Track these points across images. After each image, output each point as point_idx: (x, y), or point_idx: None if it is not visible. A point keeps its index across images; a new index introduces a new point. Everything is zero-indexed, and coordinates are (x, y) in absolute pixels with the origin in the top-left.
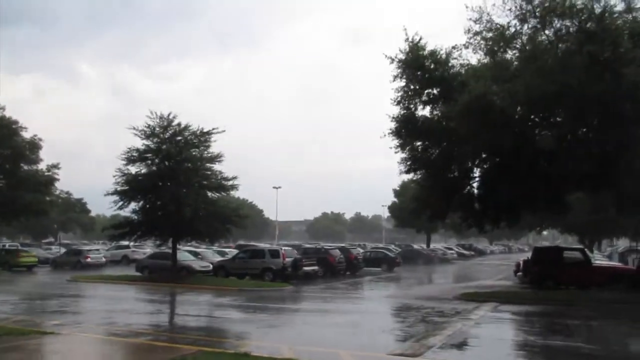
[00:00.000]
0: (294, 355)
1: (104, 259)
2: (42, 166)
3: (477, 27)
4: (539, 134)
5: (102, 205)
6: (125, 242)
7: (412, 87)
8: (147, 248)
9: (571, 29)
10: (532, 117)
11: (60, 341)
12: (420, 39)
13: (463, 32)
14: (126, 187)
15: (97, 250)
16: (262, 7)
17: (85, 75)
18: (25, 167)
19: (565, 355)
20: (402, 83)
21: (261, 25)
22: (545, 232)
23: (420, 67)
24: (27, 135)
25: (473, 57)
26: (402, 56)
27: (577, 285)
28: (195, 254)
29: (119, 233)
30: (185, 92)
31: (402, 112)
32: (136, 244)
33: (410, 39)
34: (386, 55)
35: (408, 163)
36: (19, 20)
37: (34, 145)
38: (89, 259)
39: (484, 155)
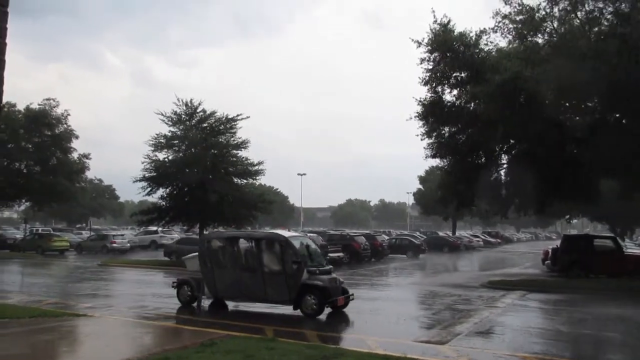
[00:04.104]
0: (319, 341)
1: (128, 244)
2: (74, 155)
3: (505, 10)
4: (570, 119)
5: (130, 191)
6: (154, 228)
7: (440, 69)
8: (175, 233)
9: (604, 11)
10: (563, 102)
11: (93, 323)
12: (449, 20)
13: (491, 15)
14: (154, 174)
15: (122, 235)
16: None
17: (111, 63)
18: (60, 156)
19: (595, 345)
20: (430, 66)
21: (280, 10)
22: (574, 220)
23: (449, 50)
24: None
25: (502, 42)
26: (429, 39)
27: (608, 274)
28: None
29: (147, 218)
30: (206, 78)
31: (429, 95)
32: (164, 229)
33: (438, 21)
34: (413, 39)
35: (435, 146)
36: (46, 12)
37: (69, 135)
38: (115, 244)
39: (511, 141)
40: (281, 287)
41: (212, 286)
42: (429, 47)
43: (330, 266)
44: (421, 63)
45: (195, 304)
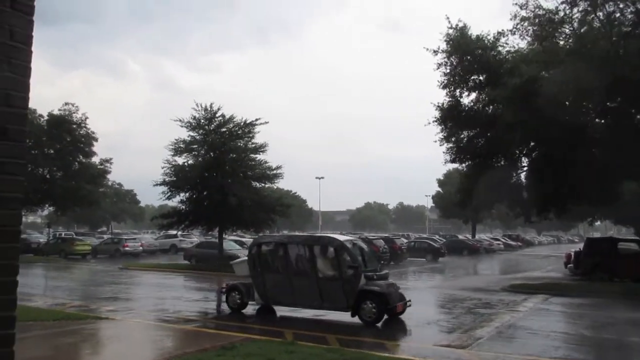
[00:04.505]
0: (339, 344)
1: (140, 248)
2: (95, 159)
3: (523, 13)
4: (590, 121)
5: (150, 195)
6: (173, 232)
7: (457, 72)
8: (194, 237)
9: (625, 11)
10: (583, 103)
11: (114, 326)
12: (465, 25)
13: (509, 18)
14: (174, 178)
15: (135, 239)
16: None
17: (131, 70)
18: (83, 160)
19: (619, 350)
20: (447, 70)
21: (297, 17)
22: (597, 223)
23: (466, 53)
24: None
25: (521, 43)
26: (445, 44)
27: (632, 277)
28: (241, 244)
29: (167, 222)
30: (224, 83)
31: (447, 99)
32: (184, 233)
33: (453, 26)
34: (427, 48)
35: (454, 150)
36: (69, 19)
37: (90, 139)
38: (127, 248)
39: (531, 144)
40: (338, 293)
41: (262, 292)
42: (447, 52)
43: (387, 271)
44: (438, 68)
45: (244, 310)
